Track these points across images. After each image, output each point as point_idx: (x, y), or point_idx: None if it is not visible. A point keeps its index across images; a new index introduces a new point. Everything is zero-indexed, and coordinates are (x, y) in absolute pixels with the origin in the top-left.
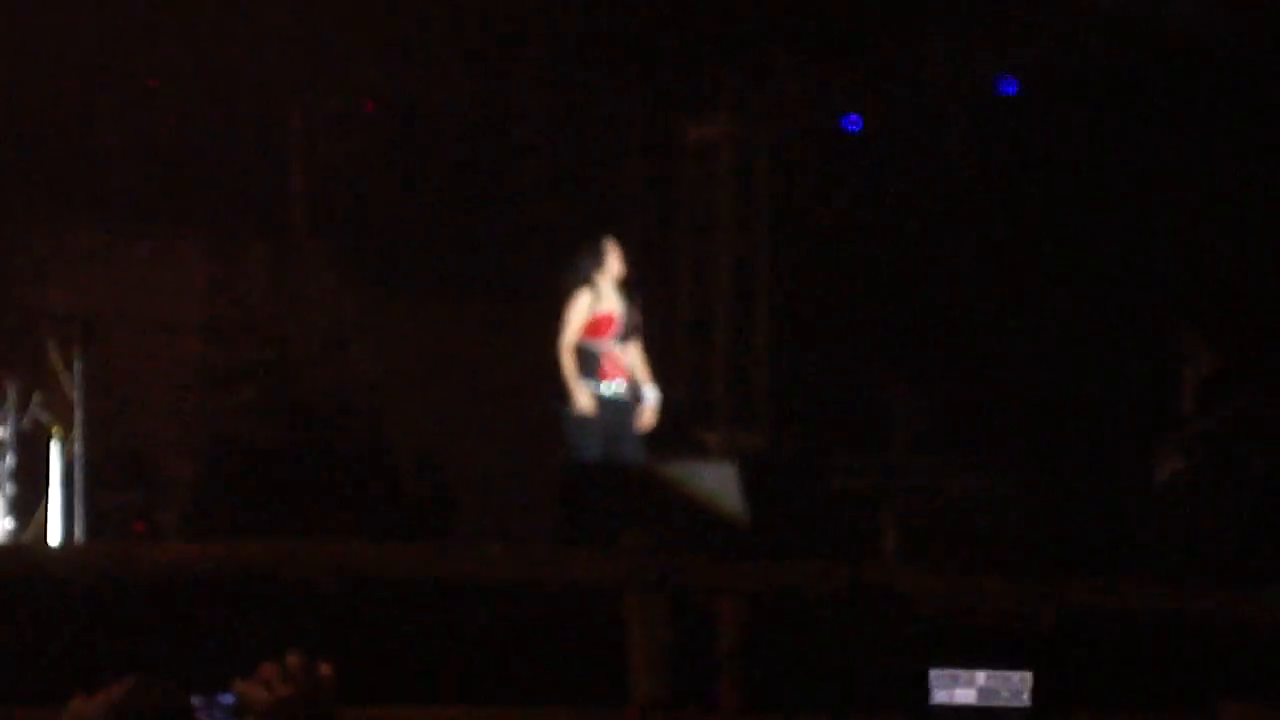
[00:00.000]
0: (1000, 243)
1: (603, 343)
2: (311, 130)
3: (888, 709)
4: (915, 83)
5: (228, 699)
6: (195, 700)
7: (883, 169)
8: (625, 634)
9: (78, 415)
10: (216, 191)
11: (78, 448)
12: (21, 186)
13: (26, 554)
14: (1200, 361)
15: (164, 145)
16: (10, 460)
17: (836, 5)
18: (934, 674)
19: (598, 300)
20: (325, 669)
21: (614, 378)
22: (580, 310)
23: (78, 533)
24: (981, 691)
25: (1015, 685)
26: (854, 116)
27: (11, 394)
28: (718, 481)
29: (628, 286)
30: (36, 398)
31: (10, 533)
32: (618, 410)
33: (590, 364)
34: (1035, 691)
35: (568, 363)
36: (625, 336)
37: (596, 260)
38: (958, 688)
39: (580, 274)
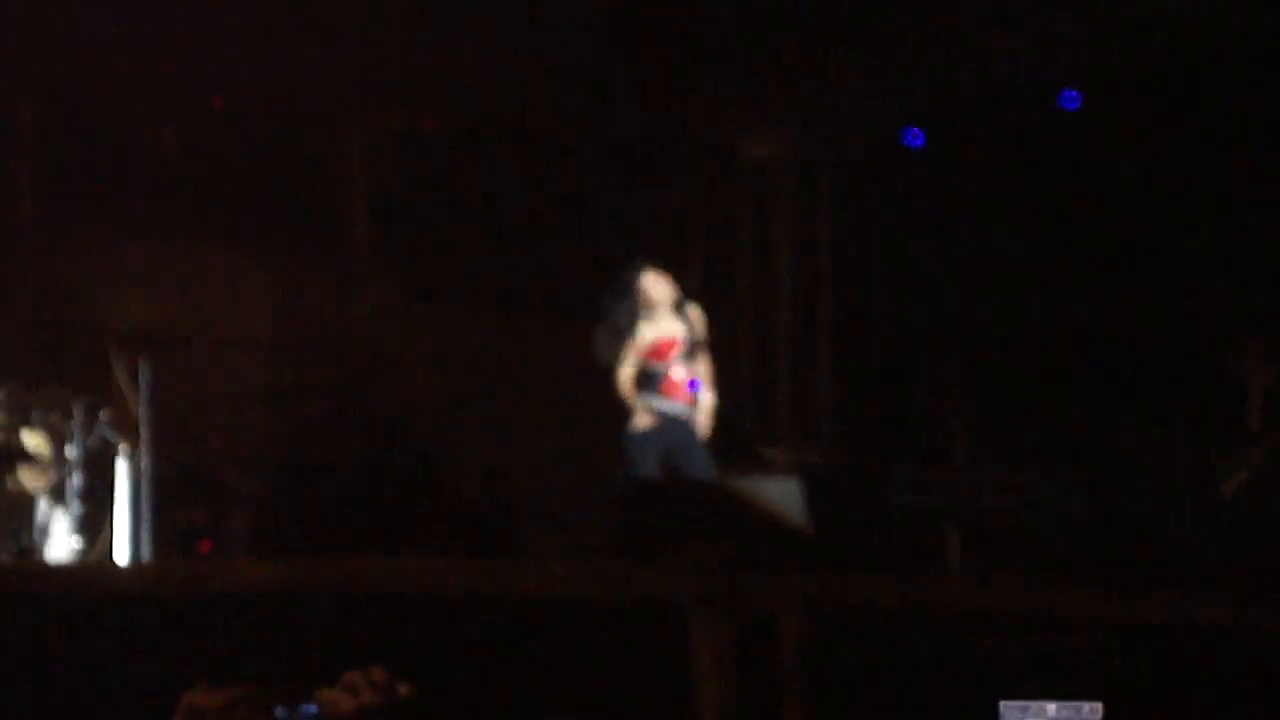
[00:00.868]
0: (1062, 256)
1: (665, 364)
2: (374, 147)
3: None
4: (977, 97)
5: (311, 709)
6: (279, 712)
7: (944, 184)
8: (689, 650)
9: (144, 433)
10: (281, 208)
11: (144, 466)
12: (88, 204)
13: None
14: (1262, 373)
15: (229, 163)
16: (77, 478)
17: (897, 19)
18: (1004, 705)
19: (654, 328)
20: (405, 688)
21: (676, 396)
22: (637, 329)
23: (144, 551)
24: None
25: (1086, 716)
26: (915, 131)
27: (78, 412)
28: (781, 496)
29: (682, 306)
30: (103, 416)
31: (77, 551)
32: (681, 428)
33: (652, 382)
34: None
35: (626, 384)
36: (690, 354)
37: (652, 280)
38: (1028, 718)
39: (636, 294)
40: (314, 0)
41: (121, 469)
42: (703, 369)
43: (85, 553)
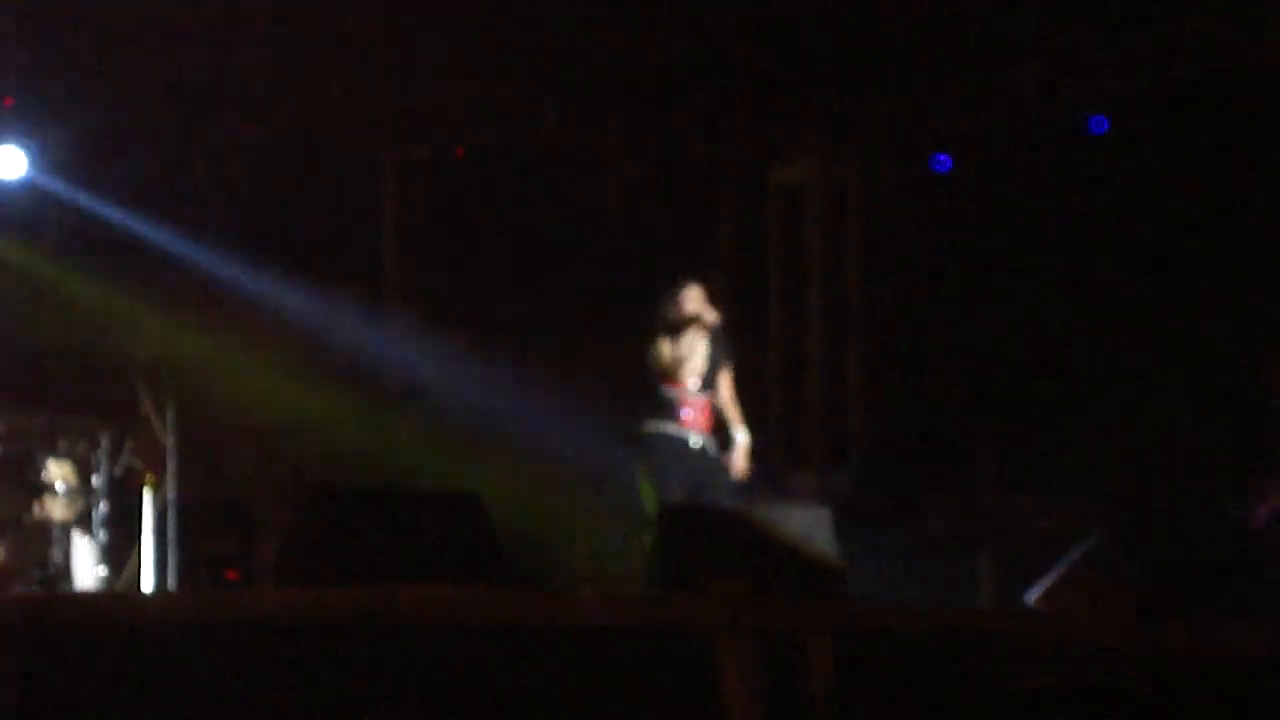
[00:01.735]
0: (1091, 280)
1: (680, 390)
2: (403, 177)
3: None
4: (1005, 122)
5: None
6: None
7: (972, 208)
8: (717, 679)
9: (170, 462)
10: (310, 237)
11: (170, 495)
12: (114, 233)
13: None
14: None
15: (258, 192)
16: (103, 508)
17: (925, 46)
18: None
19: (676, 347)
20: None
21: (691, 424)
22: (658, 356)
23: (171, 580)
24: None
25: None
26: (943, 156)
27: (104, 441)
28: (810, 524)
29: (713, 331)
30: (129, 445)
31: (104, 580)
32: (699, 458)
33: (667, 410)
34: None
35: (645, 407)
36: (706, 384)
37: (675, 306)
38: None
39: (659, 320)
40: (344, 31)
41: (148, 498)
42: (725, 397)
43: (111, 582)
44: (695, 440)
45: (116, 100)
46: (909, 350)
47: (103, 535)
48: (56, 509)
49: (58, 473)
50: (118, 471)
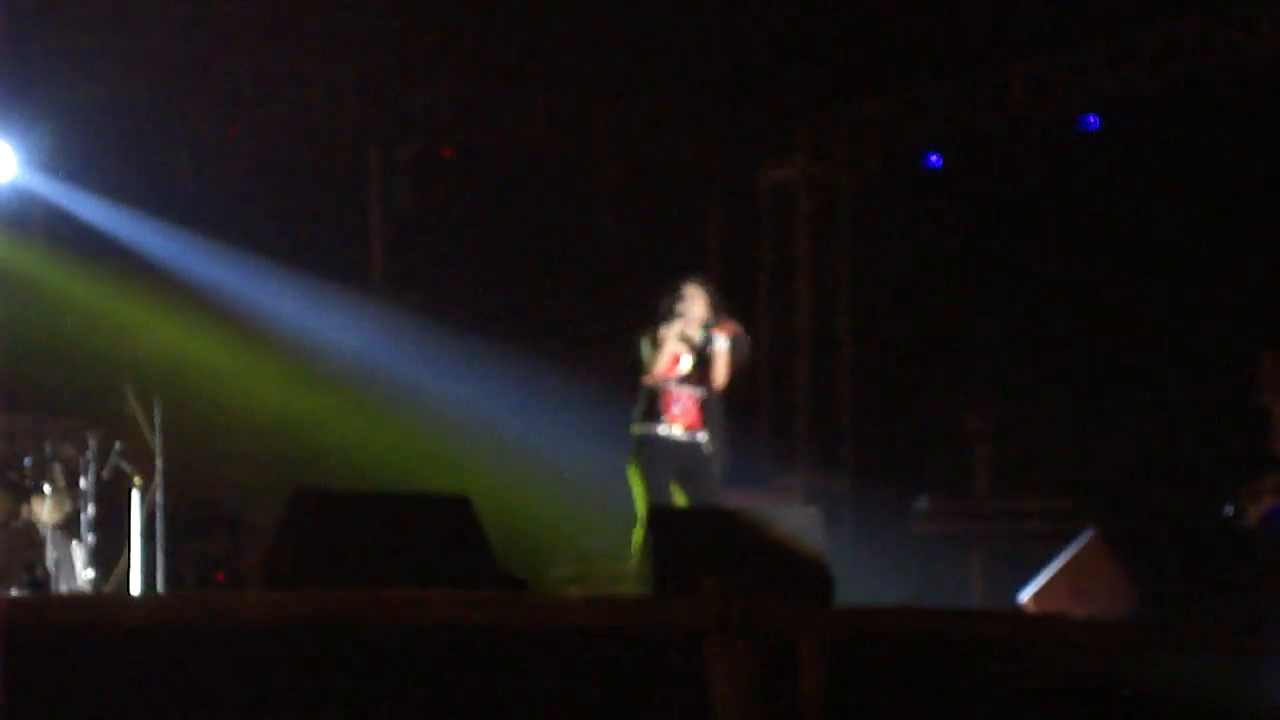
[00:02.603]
0: (1082, 279)
1: (666, 381)
2: (390, 176)
3: None
4: (995, 121)
5: None
6: None
7: (963, 207)
8: (707, 681)
9: (158, 464)
10: (297, 236)
11: (159, 497)
12: (101, 233)
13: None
14: None
15: (245, 192)
16: (91, 510)
17: (915, 46)
18: None
19: (672, 340)
20: None
21: (676, 416)
22: (645, 351)
23: (159, 582)
24: None
25: None
26: (934, 155)
27: (92, 444)
28: (800, 525)
29: (709, 327)
30: (117, 447)
31: (92, 583)
32: (686, 453)
33: (654, 408)
34: None
35: (634, 407)
36: (691, 379)
37: (677, 300)
38: None
39: (660, 313)
40: (330, 29)
41: (136, 500)
42: (704, 395)
43: (99, 584)
44: (683, 435)
45: (102, 99)
46: (899, 350)
47: (90, 537)
48: (44, 511)
49: (45, 475)
50: (105, 473)
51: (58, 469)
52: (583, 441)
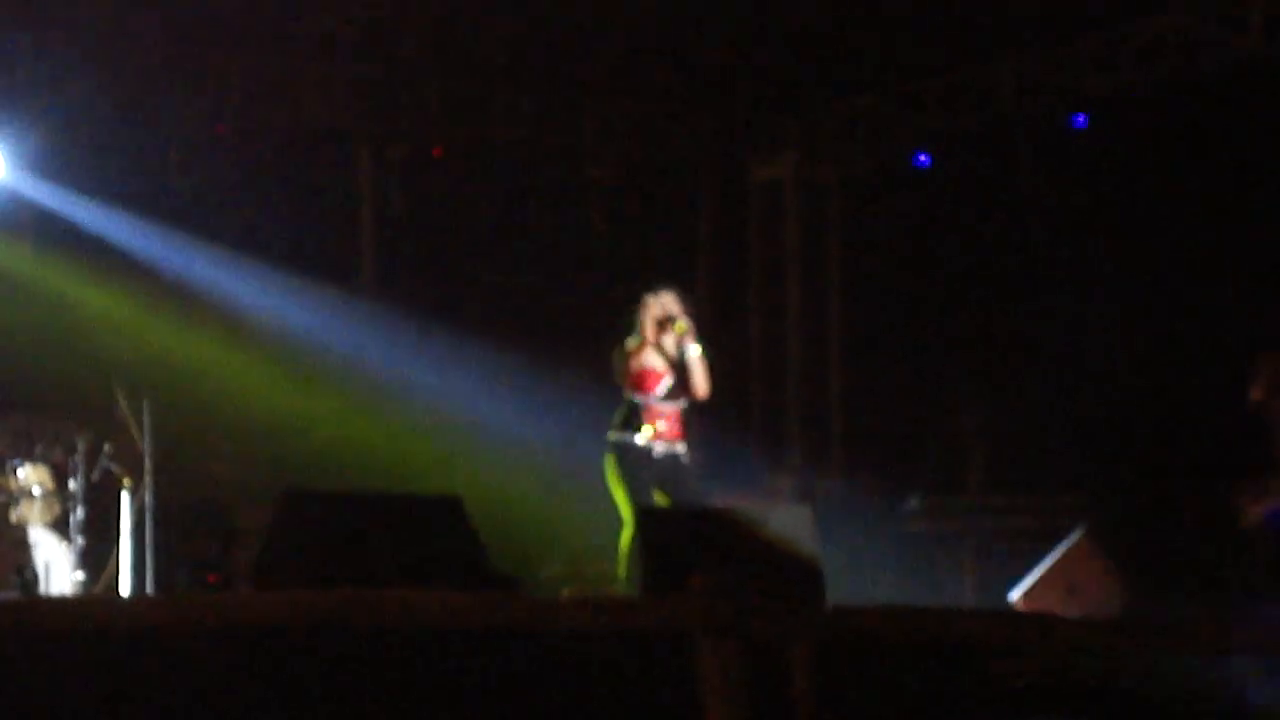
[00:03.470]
0: (1072, 277)
1: (648, 397)
2: (380, 174)
3: None
4: (985, 119)
5: None
6: None
7: (953, 205)
8: (697, 681)
9: (148, 466)
10: (287, 236)
11: (148, 498)
12: (90, 233)
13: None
14: None
15: (234, 191)
16: (81, 512)
17: (905, 44)
18: None
19: (646, 353)
20: None
21: (659, 432)
22: (627, 359)
23: (149, 584)
24: None
25: None
26: (924, 154)
27: (81, 446)
28: (792, 523)
29: (686, 335)
30: (106, 449)
31: (82, 585)
32: (664, 465)
33: (633, 416)
34: None
35: (614, 413)
36: (674, 394)
37: (647, 310)
38: None
39: (635, 324)
40: (320, 29)
41: (126, 502)
42: (686, 406)
43: (89, 586)
44: (662, 447)
45: (90, 99)
46: (890, 348)
47: (80, 539)
48: (33, 513)
49: (34, 477)
50: (95, 475)
51: (47, 471)
52: (572, 440)
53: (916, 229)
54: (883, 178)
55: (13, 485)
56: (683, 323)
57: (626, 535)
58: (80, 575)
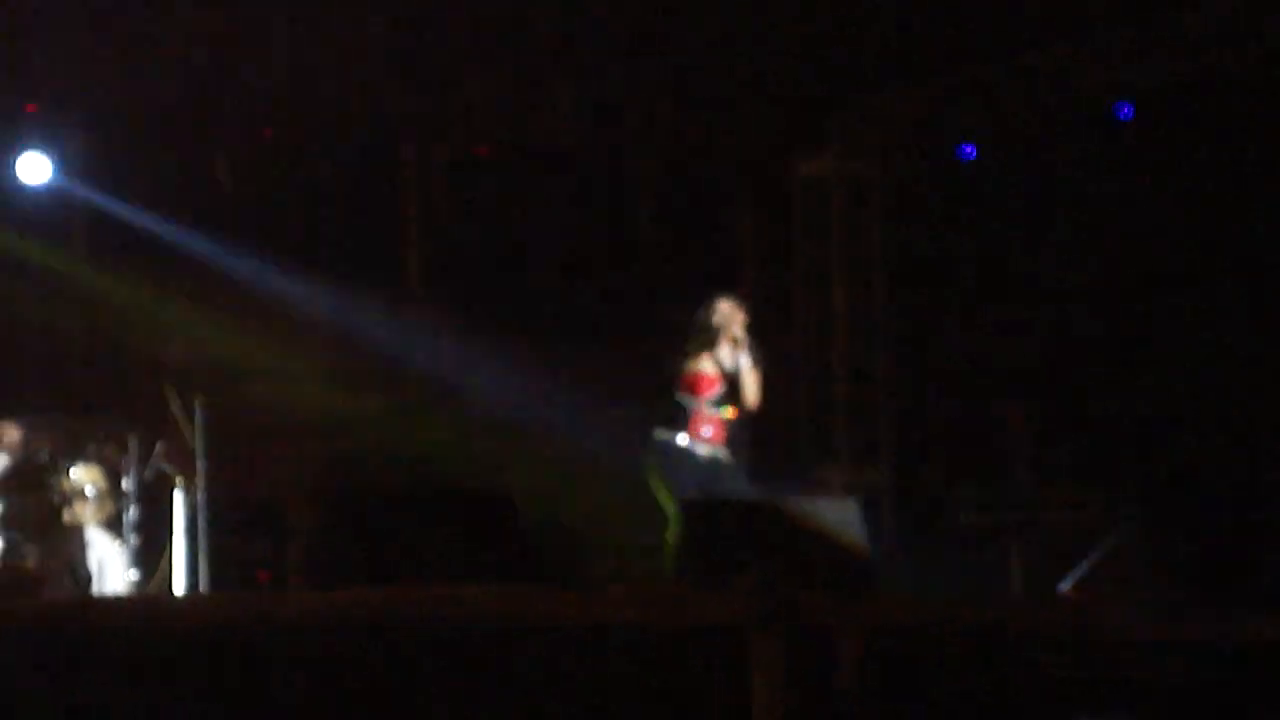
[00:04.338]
0: (1120, 268)
1: (697, 400)
2: (426, 176)
3: None
4: (1029, 111)
5: None
6: None
7: (998, 198)
8: (746, 673)
9: (200, 465)
10: (334, 237)
11: (200, 498)
12: (140, 236)
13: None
14: None
15: (281, 193)
16: (134, 512)
17: (946, 36)
18: None
19: (702, 358)
20: None
21: (704, 437)
22: (684, 362)
23: (202, 582)
24: None
25: None
26: (969, 146)
27: (134, 446)
28: (840, 518)
29: (739, 344)
30: (159, 449)
31: (135, 584)
32: (708, 470)
33: (680, 418)
34: None
35: (659, 413)
36: (724, 400)
37: (708, 317)
38: None
39: (692, 329)
40: (363, 30)
41: (178, 501)
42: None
43: (143, 585)
44: (705, 450)
45: (138, 103)
46: (937, 342)
47: (133, 539)
48: (87, 513)
49: (87, 477)
50: (148, 475)
51: (100, 470)
52: (620, 439)
53: (962, 221)
54: (928, 170)
55: (66, 485)
56: (737, 333)
57: (672, 531)
58: (134, 574)
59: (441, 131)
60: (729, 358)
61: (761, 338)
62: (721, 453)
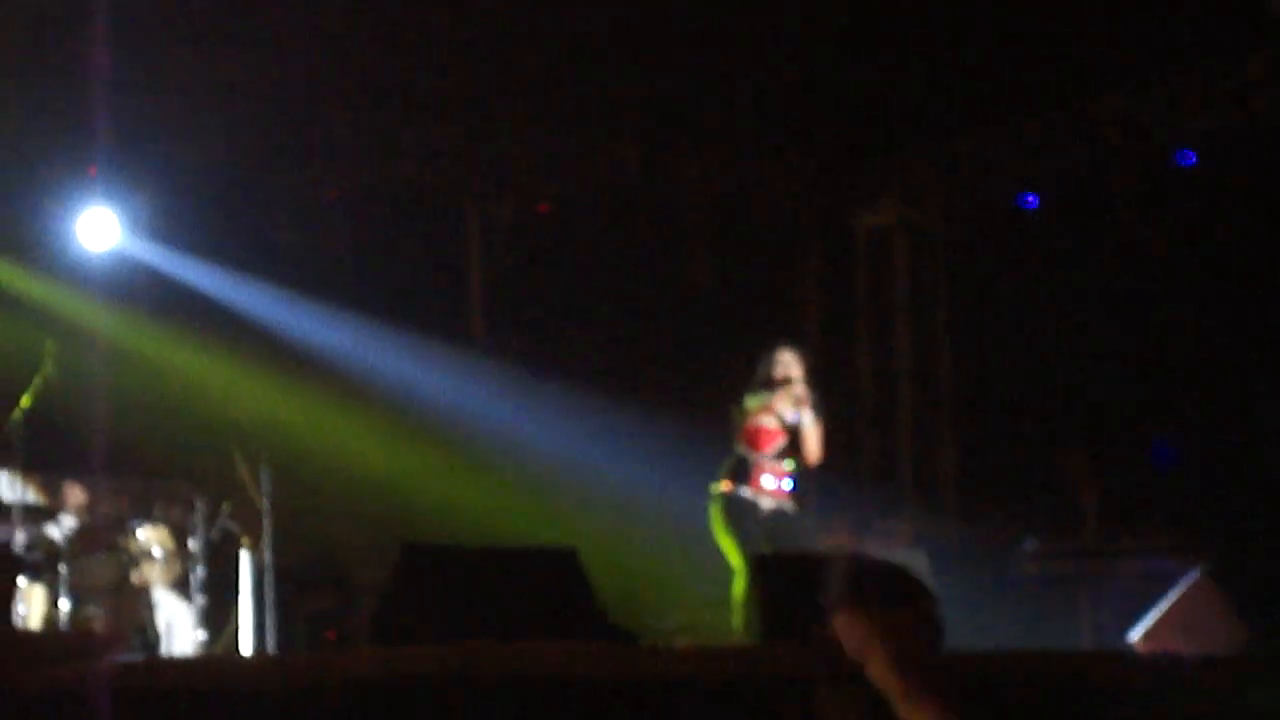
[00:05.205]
0: (1183, 316)
1: (759, 455)
2: (488, 232)
3: None
4: (1090, 158)
5: None
6: None
7: (1060, 245)
8: None
9: (266, 524)
10: (397, 295)
11: (267, 557)
12: (204, 297)
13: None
14: None
15: (344, 252)
16: (200, 572)
17: (1006, 84)
18: None
19: (764, 411)
20: None
21: (766, 490)
22: (745, 415)
23: (269, 642)
24: None
25: None
26: (1030, 195)
27: (200, 506)
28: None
29: (801, 395)
30: (225, 509)
31: (203, 644)
32: (773, 523)
33: (742, 472)
34: None
35: (724, 465)
36: (786, 453)
37: (770, 368)
38: None
39: (753, 381)
40: (425, 88)
41: (245, 561)
42: (795, 470)
43: (210, 645)
44: (768, 504)
45: (202, 164)
46: (1001, 390)
47: (200, 599)
48: (154, 574)
49: (154, 538)
50: (214, 535)
51: (166, 531)
52: (685, 492)
53: (1024, 270)
54: (989, 219)
55: (133, 546)
56: (799, 385)
57: (739, 585)
58: (201, 634)
59: (503, 188)
60: (790, 410)
61: (824, 388)
62: (787, 505)
